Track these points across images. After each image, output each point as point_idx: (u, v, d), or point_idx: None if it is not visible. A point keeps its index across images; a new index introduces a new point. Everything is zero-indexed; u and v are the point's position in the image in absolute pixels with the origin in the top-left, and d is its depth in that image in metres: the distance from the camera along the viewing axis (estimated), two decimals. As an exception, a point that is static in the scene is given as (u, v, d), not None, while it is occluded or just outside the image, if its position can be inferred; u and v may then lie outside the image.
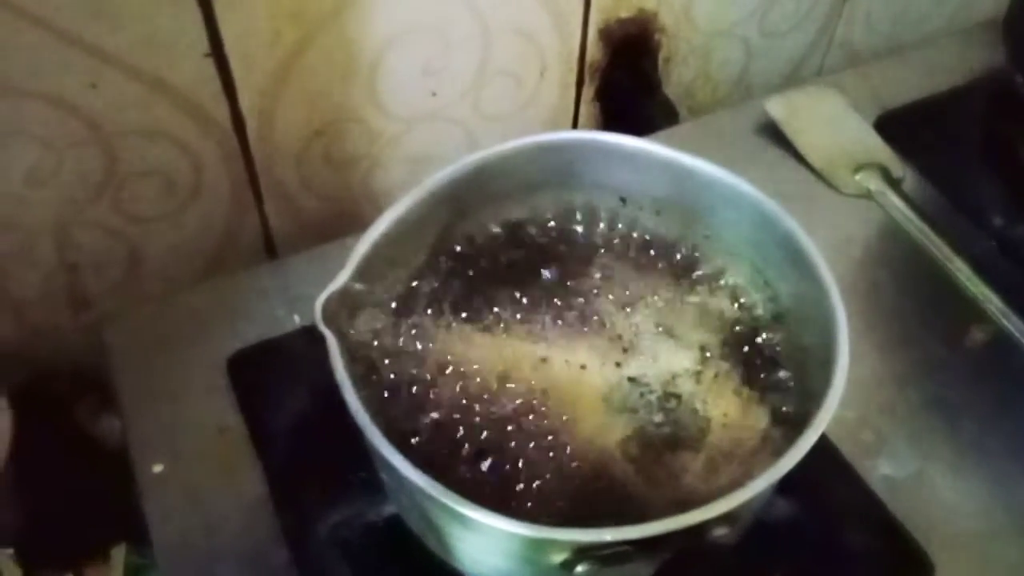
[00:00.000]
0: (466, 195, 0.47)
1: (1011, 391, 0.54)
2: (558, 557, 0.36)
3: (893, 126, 0.66)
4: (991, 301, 0.57)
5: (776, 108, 0.66)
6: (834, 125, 0.66)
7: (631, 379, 0.46)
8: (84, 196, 0.58)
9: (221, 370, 0.53)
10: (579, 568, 0.36)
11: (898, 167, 0.64)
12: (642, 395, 0.45)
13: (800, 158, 0.66)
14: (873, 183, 0.63)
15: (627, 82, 0.72)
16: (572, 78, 0.71)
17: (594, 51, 0.70)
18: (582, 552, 0.35)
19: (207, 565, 0.46)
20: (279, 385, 0.51)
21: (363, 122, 0.64)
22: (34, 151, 0.54)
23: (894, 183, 0.63)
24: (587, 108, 0.73)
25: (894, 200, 0.62)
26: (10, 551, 0.58)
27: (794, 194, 0.63)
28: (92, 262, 0.62)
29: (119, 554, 0.60)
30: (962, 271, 0.58)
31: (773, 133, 0.67)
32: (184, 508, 0.48)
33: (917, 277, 0.60)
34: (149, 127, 0.57)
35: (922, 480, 0.51)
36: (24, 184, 0.56)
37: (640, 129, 0.66)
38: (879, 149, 0.65)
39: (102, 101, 0.54)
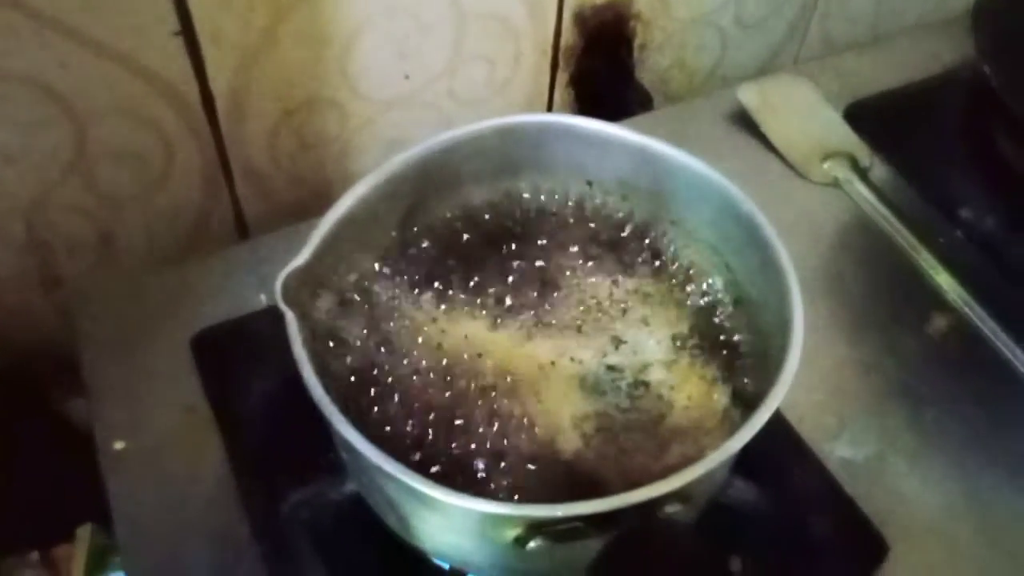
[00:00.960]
0: (432, 177, 0.47)
1: (973, 379, 0.55)
2: (511, 533, 0.36)
3: (863, 115, 0.67)
4: (954, 290, 0.57)
5: (748, 96, 0.66)
6: (804, 114, 0.67)
7: (587, 361, 0.46)
8: (54, 175, 0.58)
9: (187, 349, 0.53)
10: (532, 544, 0.36)
11: (866, 156, 0.65)
12: (605, 379, 0.46)
13: (770, 146, 0.66)
14: (840, 171, 0.64)
15: (602, 68, 0.72)
16: (547, 63, 0.71)
17: (569, 36, 0.70)
18: (535, 528, 0.36)
19: (169, 543, 0.46)
20: (244, 364, 0.52)
21: (336, 104, 0.64)
22: (4, 130, 0.54)
23: (861, 172, 0.64)
24: (562, 93, 0.73)
25: (860, 189, 0.62)
26: (-26, 532, 0.58)
27: (763, 181, 0.64)
28: (64, 242, 0.62)
29: (84, 533, 0.60)
30: (927, 260, 0.59)
31: (745, 121, 0.68)
32: (146, 486, 0.48)
33: (883, 265, 0.60)
34: (119, 107, 0.57)
35: (882, 464, 0.51)
36: (-7, 162, 0.55)
37: (614, 115, 0.67)
38: (847, 138, 0.66)
39: (71, 80, 0.54)
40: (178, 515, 0.47)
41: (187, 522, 0.47)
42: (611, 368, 0.46)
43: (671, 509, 0.37)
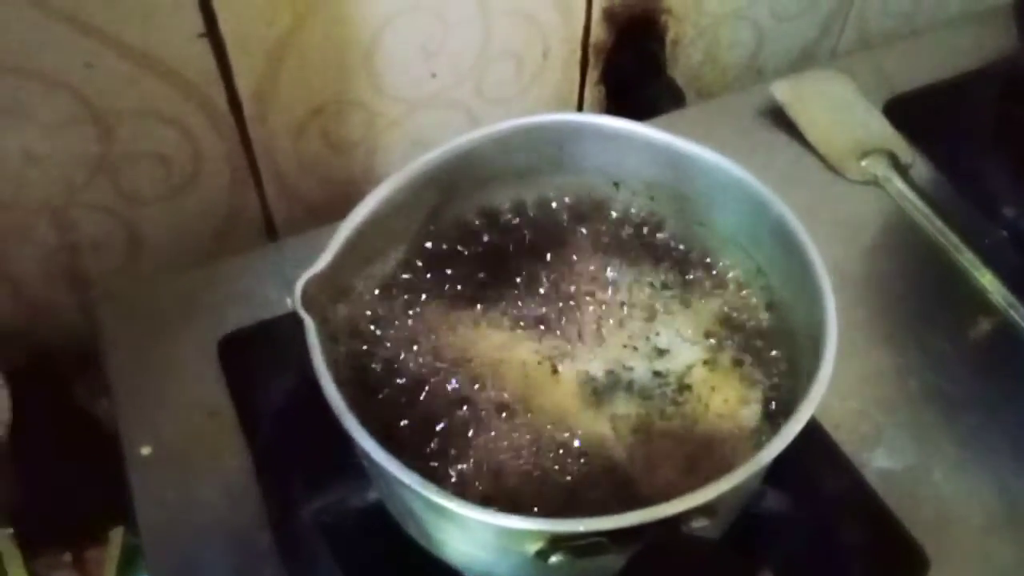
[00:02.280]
0: (454, 178, 0.46)
1: (1014, 385, 0.53)
2: (533, 547, 0.35)
3: (903, 111, 0.65)
4: (998, 292, 0.55)
5: (782, 92, 0.65)
6: (841, 110, 0.65)
7: (620, 370, 0.45)
8: (81, 176, 0.58)
9: (212, 352, 0.53)
10: (553, 558, 0.35)
11: (906, 153, 0.63)
12: (627, 383, 0.44)
13: (806, 143, 0.64)
14: (880, 169, 0.62)
15: (633, 65, 0.71)
16: (576, 60, 0.69)
17: (599, 32, 0.68)
18: (557, 542, 0.35)
19: (192, 548, 0.46)
20: (269, 368, 0.51)
21: (362, 104, 0.64)
22: (30, 130, 0.54)
23: (902, 169, 0.61)
24: (592, 91, 0.72)
25: (900, 187, 0.60)
26: (9, 531, 0.58)
27: (798, 180, 0.62)
28: (91, 242, 0.62)
29: (117, 536, 0.60)
30: (969, 261, 0.57)
31: (779, 118, 0.66)
32: (171, 491, 0.48)
33: (923, 266, 0.58)
34: (145, 108, 0.57)
35: (920, 473, 0.50)
36: (21, 163, 0.56)
37: (645, 113, 0.65)
38: (887, 134, 0.64)
39: (98, 81, 0.54)
40: (201, 519, 0.47)
41: (209, 526, 0.47)
42: (633, 373, 0.45)
43: (697, 524, 0.35)
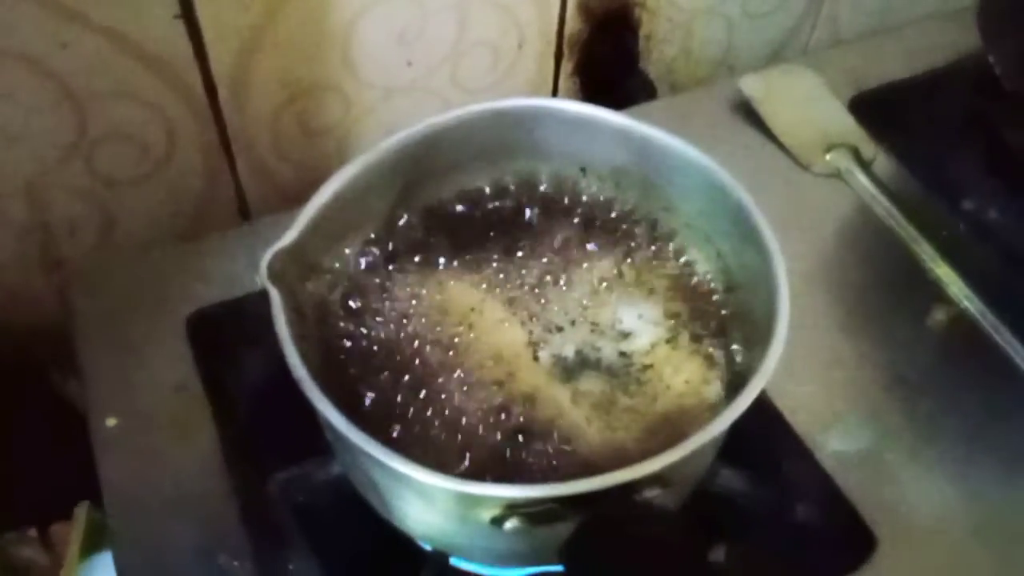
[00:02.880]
0: (423, 161, 0.47)
1: (970, 374, 0.54)
2: (488, 513, 0.36)
3: (868, 107, 0.66)
4: (955, 284, 0.57)
5: (751, 86, 0.66)
6: (808, 104, 0.66)
7: (589, 350, 0.46)
8: (55, 156, 0.58)
9: (182, 329, 0.53)
10: (508, 524, 0.36)
11: (869, 148, 0.64)
12: (593, 362, 0.45)
13: (773, 137, 0.65)
14: (843, 163, 0.63)
15: (607, 57, 0.72)
16: (551, 51, 0.70)
17: (573, 25, 0.69)
18: (511, 508, 0.36)
19: (157, 519, 0.47)
20: (238, 345, 0.52)
21: (338, 90, 0.64)
22: (4, 110, 0.55)
23: (864, 163, 0.63)
24: (566, 82, 0.73)
25: (862, 180, 0.62)
26: (-25, 506, 0.59)
27: (764, 172, 0.64)
28: (65, 223, 0.62)
29: (82, 512, 0.61)
30: (928, 253, 0.58)
31: (748, 112, 0.67)
32: (137, 463, 0.49)
33: (883, 258, 0.60)
34: (120, 89, 0.57)
35: (876, 458, 0.51)
36: (-6, 142, 0.56)
37: (618, 105, 0.66)
38: (851, 129, 0.65)
39: (73, 61, 0.54)
40: (167, 492, 0.48)
41: (176, 499, 0.47)
42: (596, 351, 0.46)
43: (650, 493, 0.36)
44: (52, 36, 0.53)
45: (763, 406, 0.52)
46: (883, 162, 0.64)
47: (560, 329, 0.47)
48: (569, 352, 0.46)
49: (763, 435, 0.51)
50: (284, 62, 0.61)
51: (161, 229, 0.65)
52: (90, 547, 0.60)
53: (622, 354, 0.46)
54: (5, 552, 0.59)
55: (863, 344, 0.56)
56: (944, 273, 0.57)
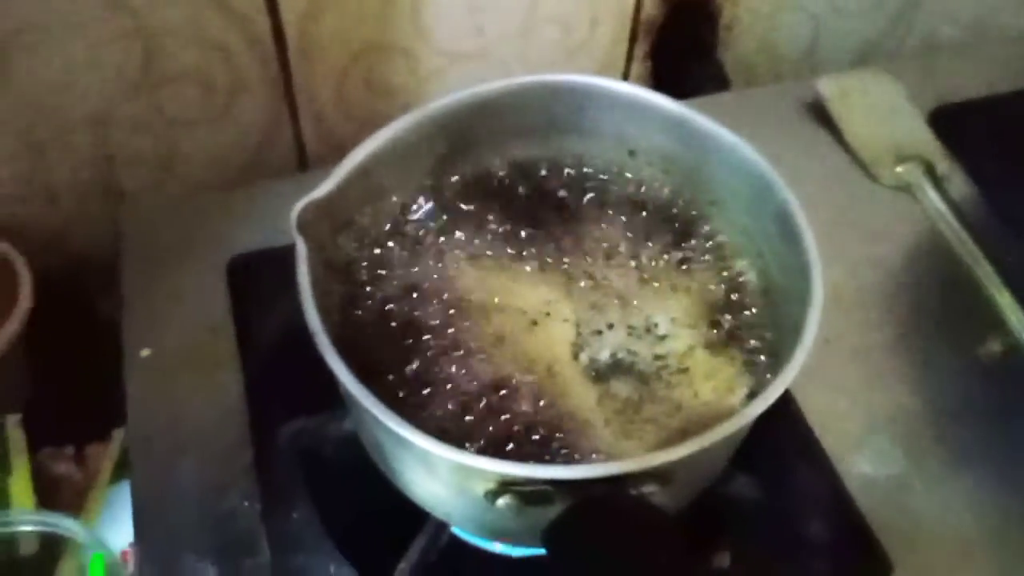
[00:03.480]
0: (468, 128, 0.46)
1: (1013, 408, 0.51)
2: (482, 487, 0.36)
3: (948, 121, 0.63)
4: (1014, 314, 0.54)
5: (827, 88, 0.64)
6: (884, 113, 0.63)
7: (597, 331, 0.45)
8: (122, 91, 0.60)
9: (223, 272, 0.54)
10: (501, 501, 0.36)
11: (944, 164, 0.61)
12: (627, 366, 0.44)
13: (845, 143, 0.63)
14: (914, 176, 0.60)
15: (682, 44, 0.70)
16: (625, 33, 0.69)
17: (650, 8, 0.68)
18: (505, 485, 0.35)
19: (175, 452, 0.48)
20: (274, 292, 0.52)
21: (406, 52, 0.64)
22: (80, 42, 0.56)
23: (936, 180, 0.60)
24: (638, 66, 0.72)
25: (932, 196, 0.59)
26: (18, 416, 0.61)
27: (829, 177, 0.61)
28: (128, 157, 0.64)
29: (119, 435, 0.63)
30: (990, 278, 0.55)
31: (821, 114, 0.65)
32: (163, 395, 0.50)
33: (944, 279, 0.57)
34: (191, 30, 0.58)
35: (901, 483, 0.49)
36: (67, 73, 0.57)
37: (689, 94, 0.65)
38: (927, 143, 0.62)
39: (149, -2, 0.55)
40: (188, 426, 0.49)
41: (195, 434, 0.49)
42: (630, 351, 0.45)
43: (647, 489, 0.36)
44: (128, -30, 0.54)
45: (792, 417, 0.50)
46: (957, 180, 0.61)
47: (599, 333, 0.45)
48: (605, 356, 0.44)
49: (788, 446, 0.49)
50: (355, 18, 0.61)
51: (219, 172, 0.66)
52: (121, 471, 0.62)
53: (657, 356, 0.45)
54: (42, 465, 0.62)
55: (908, 366, 0.53)
56: (1006, 302, 0.54)
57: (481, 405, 0.42)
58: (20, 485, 0.59)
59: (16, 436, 0.61)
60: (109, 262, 0.64)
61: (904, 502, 0.48)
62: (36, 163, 0.61)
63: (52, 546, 0.56)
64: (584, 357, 0.44)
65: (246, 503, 0.47)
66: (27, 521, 0.54)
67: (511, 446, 0.41)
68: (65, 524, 0.53)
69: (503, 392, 0.43)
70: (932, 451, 0.50)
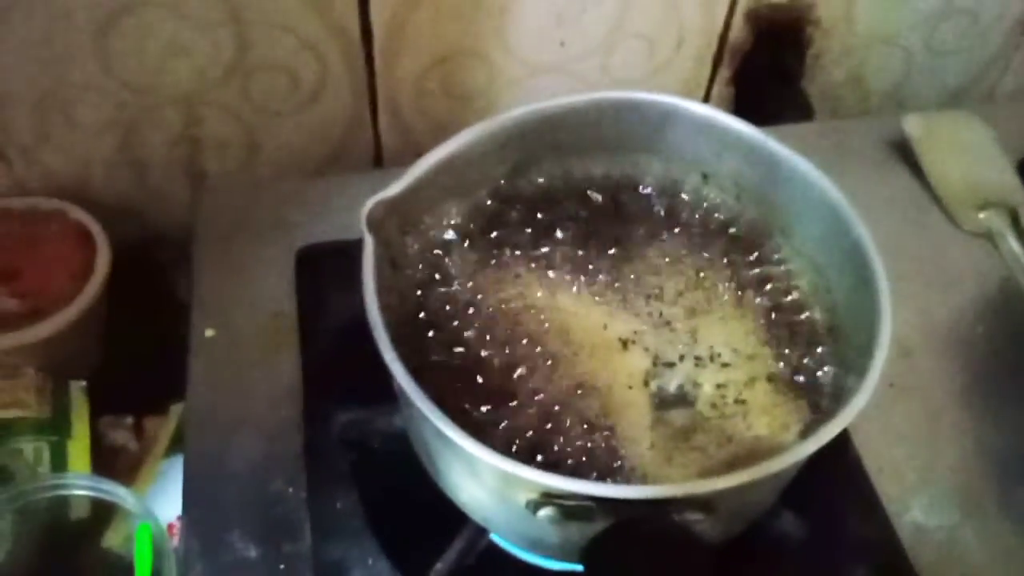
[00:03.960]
0: (544, 138, 0.47)
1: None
2: (525, 496, 0.36)
3: (1039, 170, 0.61)
4: (1090, 373, 0.52)
5: (913, 126, 0.62)
6: (970, 155, 0.62)
7: (670, 363, 0.44)
8: (214, 75, 0.61)
9: (291, 260, 0.56)
10: (542, 512, 0.36)
11: (1030, 213, 0.60)
12: (687, 387, 0.44)
13: (927, 184, 0.62)
14: (996, 224, 0.59)
15: (767, 70, 0.69)
16: (710, 55, 0.69)
17: (738, 32, 0.67)
18: (548, 496, 0.35)
19: (228, 431, 0.49)
20: (339, 283, 0.53)
21: (487, 59, 0.65)
22: (178, 24, 0.58)
23: (1020, 229, 0.58)
24: (721, 89, 0.71)
25: (1013, 245, 0.57)
26: (83, 383, 0.63)
27: (907, 218, 0.60)
28: (213, 140, 0.66)
29: (177, 410, 0.64)
30: (1067, 335, 0.53)
31: (906, 153, 0.63)
32: (223, 375, 0.51)
33: (1017, 331, 0.55)
34: (284, 22, 0.60)
35: (955, 535, 0.47)
36: (164, 53, 0.60)
37: (770, 122, 0.64)
38: (1014, 190, 0.60)
39: (244, -12, 0.57)
40: (243, 407, 0.50)
41: (249, 416, 0.50)
42: (695, 382, 0.44)
43: (691, 516, 0.35)
44: (230, -39, 0.56)
45: (848, 459, 0.49)
46: (1042, 231, 0.59)
47: (670, 365, 0.45)
48: (673, 386, 0.44)
49: (841, 488, 0.48)
50: (440, 23, 0.62)
51: (299, 163, 0.68)
52: (176, 446, 0.64)
53: (718, 385, 0.44)
54: (101, 433, 0.64)
55: (974, 419, 0.52)
56: (1081, 361, 0.52)
57: (537, 424, 0.42)
58: (78, 449, 0.61)
59: (80, 401, 0.63)
60: (185, 238, 0.66)
61: (957, 556, 0.47)
62: (127, 138, 0.63)
63: (102, 512, 0.58)
64: (653, 385, 0.43)
65: (291, 488, 0.48)
66: (81, 486, 0.56)
67: (553, 450, 0.41)
68: (116, 492, 0.55)
69: (556, 407, 0.43)
70: (991, 507, 0.48)
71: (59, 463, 0.60)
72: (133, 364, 0.66)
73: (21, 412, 0.60)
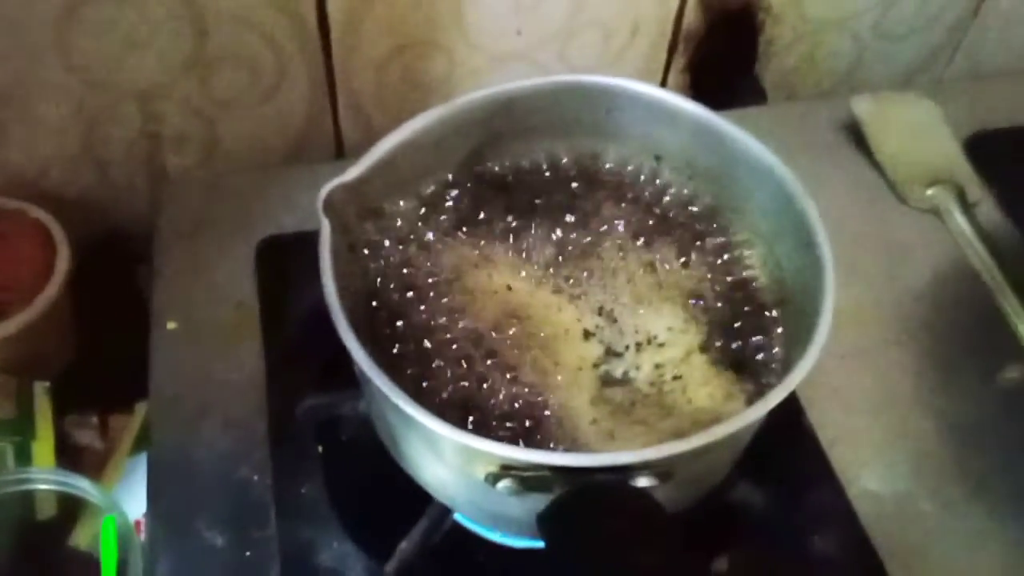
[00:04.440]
0: (497, 124, 0.47)
1: (1028, 436, 0.51)
2: (484, 469, 0.37)
3: (984, 147, 0.63)
4: (1036, 343, 0.54)
5: (861, 107, 0.64)
6: (919, 135, 0.63)
7: (628, 369, 0.45)
8: (173, 69, 0.61)
9: (252, 251, 0.56)
10: (501, 484, 0.36)
11: (976, 190, 0.61)
12: (631, 379, 0.44)
13: (875, 162, 0.63)
14: (943, 200, 0.60)
15: (722, 57, 0.71)
16: (665, 43, 0.70)
17: (691, 19, 0.69)
18: (505, 468, 0.36)
19: (193, 422, 0.49)
20: (299, 274, 0.53)
21: (446, 49, 0.66)
22: (135, 17, 0.58)
23: (966, 205, 0.60)
24: (677, 77, 0.72)
25: (960, 222, 0.59)
26: (47, 384, 0.63)
27: (857, 196, 0.62)
28: (174, 134, 0.65)
29: (142, 408, 0.64)
30: (1013, 307, 0.55)
31: (856, 133, 0.65)
32: (186, 367, 0.51)
33: (966, 305, 0.57)
34: (241, 15, 0.60)
35: (909, 504, 0.49)
36: (122, 47, 0.59)
37: (725, 106, 0.65)
38: (960, 168, 0.62)
39: (200, -21, 0.57)
40: (207, 398, 0.50)
41: (213, 406, 0.50)
42: (627, 345, 0.45)
43: (647, 482, 0.36)
44: (185, -48, 0.56)
45: (802, 429, 0.50)
46: (988, 208, 0.61)
47: (602, 319, 0.46)
48: (618, 372, 0.44)
49: (795, 458, 0.49)
50: (398, 13, 0.62)
51: (260, 156, 0.68)
52: (141, 444, 0.64)
53: (657, 365, 0.45)
54: (65, 432, 0.63)
55: (924, 387, 0.53)
56: (1027, 331, 0.54)
57: (482, 396, 0.42)
58: (43, 450, 0.61)
59: (43, 402, 0.62)
60: (147, 233, 0.66)
61: (910, 521, 0.48)
62: (87, 135, 0.63)
63: (69, 510, 0.57)
64: (590, 351, 0.44)
65: (257, 476, 0.48)
66: (45, 480, 0.56)
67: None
68: (80, 485, 0.54)
69: (509, 383, 0.43)
70: (943, 473, 0.50)
71: (24, 464, 0.59)
72: (98, 362, 0.66)
73: (-16, 413, 0.60)
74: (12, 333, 0.60)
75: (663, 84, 0.73)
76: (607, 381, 0.44)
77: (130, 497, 0.59)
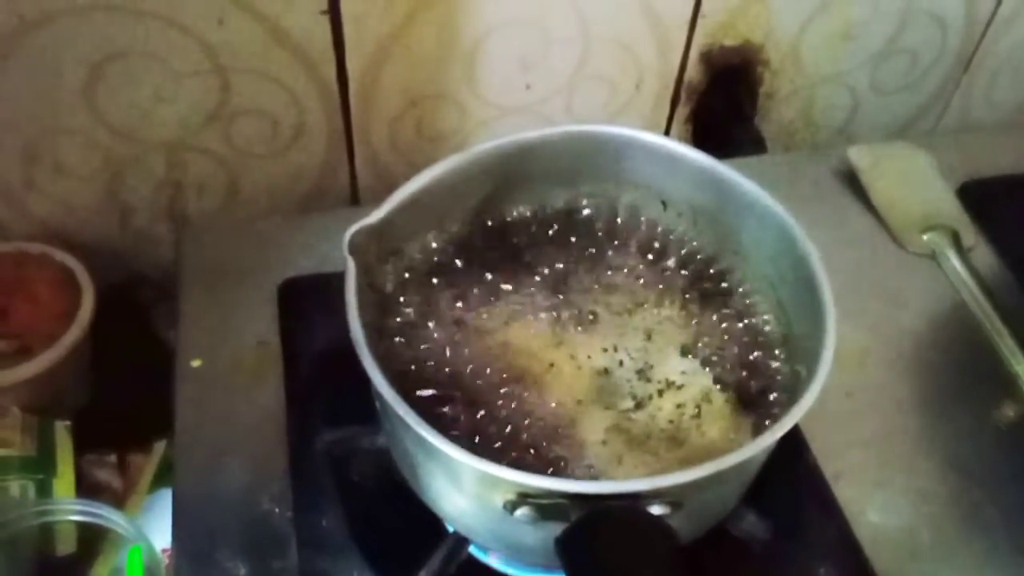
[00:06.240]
0: (509, 171, 0.50)
1: (1025, 472, 0.53)
2: (502, 497, 0.38)
3: (977, 194, 0.65)
4: (1030, 382, 0.55)
5: (859, 156, 0.66)
6: (914, 183, 0.66)
7: (633, 379, 0.47)
8: (197, 121, 0.64)
9: (274, 293, 0.58)
10: (519, 512, 0.38)
11: (970, 235, 0.63)
12: (636, 399, 0.46)
13: (874, 210, 0.65)
14: (939, 245, 0.62)
15: (722, 110, 0.74)
16: (668, 95, 0.73)
17: (693, 73, 0.72)
18: (523, 496, 0.38)
19: (216, 456, 0.51)
20: (319, 314, 0.56)
21: (457, 102, 0.69)
22: (163, 73, 0.61)
23: (961, 249, 0.62)
24: (679, 127, 0.75)
25: (956, 265, 0.61)
26: (67, 423, 0.65)
27: (856, 241, 0.64)
28: (196, 183, 0.68)
29: (160, 447, 0.66)
30: (1008, 347, 0.57)
31: (853, 182, 0.67)
32: (210, 403, 0.53)
33: (963, 344, 0.59)
34: (263, 70, 0.63)
35: (911, 536, 0.50)
36: (150, 101, 0.62)
37: (725, 156, 0.68)
38: (955, 214, 0.64)
39: (226, 37, 0.60)
40: (230, 433, 0.52)
41: (237, 440, 0.52)
42: (641, 388, 0.47)
43: (660, 510, 0.37)
44: (212, 12, 0.59)
45: (806, 462, 0.52)
46: (982, 252, 0.63)
47: (612, 360, 0.47)
48: (630, 404, 0.46)
49: (799, 490, 0.51)
50: (412, 69, 0.65)
51: (279, 203, 0.70)
52: (159, 481, 0.65)
53: (678, 405, 0.46)
54: (84, 471, 0.65)
55: (924, 423, 0.55)
56: (1022, 369, 0.56)
57: (501, 431, 0.44)
58: (64, 487, 0.62)
59: (64, 440, 0.64)
60: (166, 279, 0.68)
61: (912, 555, 0.49)
62: (112, 184, 0.66)
63: (89, 544, 0.59)
64: (599, 390, 0.46)
65: (278, 508, 0.49)
66: (69, 511, 0.57)
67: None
68: (106, 514, 0.56)
69: (526, 426, 0.45)
70: (944, 507, 0.51)
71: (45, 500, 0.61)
72: (117, 402, 0.68)
73: (7, 451, 0.62)
74: (35, 374, 0.62)
75: (666, 134, 0.75)
76: (620, 411, 0.45)
77: (149, 534, 0.60)
